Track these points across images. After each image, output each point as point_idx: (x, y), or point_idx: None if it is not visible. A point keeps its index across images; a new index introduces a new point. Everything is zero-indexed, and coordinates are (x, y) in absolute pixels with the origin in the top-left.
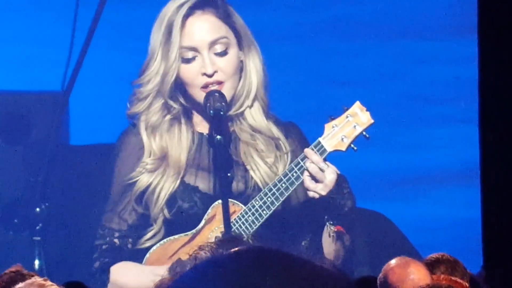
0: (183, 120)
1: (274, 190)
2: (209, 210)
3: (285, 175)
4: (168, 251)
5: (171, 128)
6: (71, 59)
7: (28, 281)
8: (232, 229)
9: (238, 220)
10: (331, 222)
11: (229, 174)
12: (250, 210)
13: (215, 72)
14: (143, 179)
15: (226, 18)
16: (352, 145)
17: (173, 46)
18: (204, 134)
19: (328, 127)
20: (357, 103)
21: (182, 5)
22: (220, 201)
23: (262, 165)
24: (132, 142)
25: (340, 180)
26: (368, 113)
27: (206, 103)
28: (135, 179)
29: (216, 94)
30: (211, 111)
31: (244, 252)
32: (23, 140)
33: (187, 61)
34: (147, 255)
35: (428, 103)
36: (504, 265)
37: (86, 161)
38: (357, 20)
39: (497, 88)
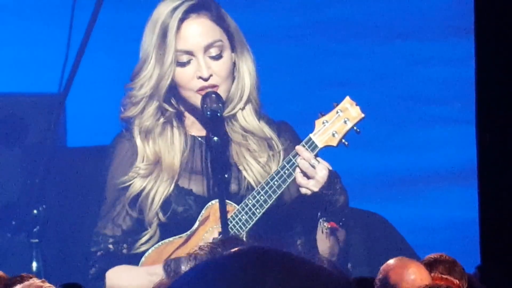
0: (175, 123)
1: (266, 188)
2: (203, 211)
3: (277, 172)
4: (164, 254)
5: (163, 132)
6: (68, 61)
7: (26, 283)
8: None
9: (232, 220)
10: (324, 219)
11: (226, 176)
12: (243, 209)
13: (210, 76)
14: (136, 184)
15: (220, 21)
16: (343, 140)
17: (168, 49)
18: (197, 136)
19: (318, 123)
20: (347, 98)
21: (176, 8)
22: (213, 201)
23: (255, 165)
24: (125, 147)
25: (332, 176)
26: (358, 107)
27: (203, 104)
28: (128, 184)
29: (213, 95)
30: (208, 113)
31: (244, 252)
32: (20, 142)
33: (182, 64)
34: (143, 259)
35: (425, 104)
36: (501, 265)
37: (83, 163)
38: (353, 21)
39: (494, 89)
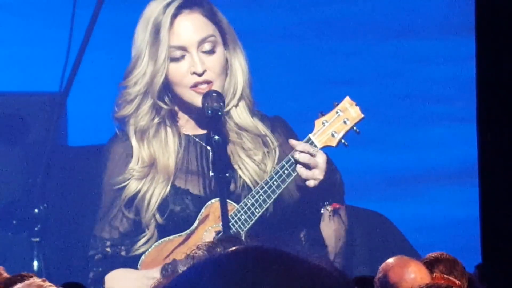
0: (168, 123)
1: (265, 187)
2: (203, 210)
3: (276, 172)
4: (163, 252)
5: (157, 133)
6: (69, 60)
7: (27, 282)
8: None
9: (231, 219)
10: (327, 203)
11: (227, 174)
12: (242, 208)
13: (205, 71)
14: (132, 186)
15: (212, 17)
16: (343, 141)
17: (162, 46)
18: (191, 135)
19: (318, 123)
20: (347, 98)
21: (168, 4)
22: (213, 200)
23: (250, 163)
24: (120, 149)
25: (328, 158)
26: (358, 108)
27: (204, 103)
28: (122, 185)
29: (214, 94)
30: (209, 111)
31: (242, 251)
32: (21, 141)
33: (176, 60)
34: (142, 257)
35: (426, 103)
36: (502, 264)
37: (84, 162)
38: (354, 19)
39: (495, 87)
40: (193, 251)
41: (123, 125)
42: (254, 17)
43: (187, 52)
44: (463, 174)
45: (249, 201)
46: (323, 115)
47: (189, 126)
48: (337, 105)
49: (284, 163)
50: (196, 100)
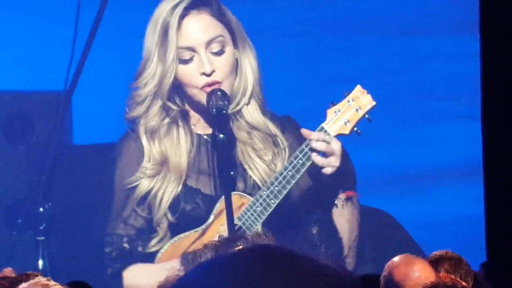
0: (180, 123)
1: (280, 178)
2: (217, 205)
3: (291, 163)
4: (180, 249)
5: (169, 131)
6: (74, 59)
7: (32, 281)
8: (242, 221)
9: (247, 211)
10: (340, 191)
11: (232, 173)
12: (257, 200)
13: (213, 71)
14: (144, 184)
15: (220, 17)
16: (355, 129)
17: (170, 47)
18: (203, 135)
19: (330, 112)
20: (358, 87)
21: (176, 5)
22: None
23: (260, 163)
24: (132, 147)
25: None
26: (369, 95)
27: (208, 101)
28: (135, 184)
29: (219, 92)
30: (214, 110)
31: (249, 250)
32: (26, 140)
33: (185, 61)
34: (159, 254)
35: (430, 100)
36: (508, 261)
37: (89, 161)
38: (359, 17)
39: (499, 85)
40: (200, 250)
41: (134, 125)
42: (260, 15)
43: (196, 53)
44: (467, 171)
45: (264, 192)
46: (334, 104)
47: (200, 126)
48: (348, 94)
49: (298, 153)
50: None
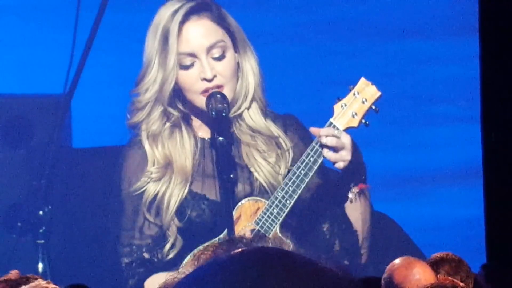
0: (183, 126)
1: (293, 178)
2: (234, 212)
3: (302, 161)
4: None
5: (172, 135)
6: (73, 62)
7: (32, 284)
8: (259, 224)
9: (264, 215)
10: (353, 184)
11: (231, 176)
12: (273, 202)
13: (214, 76)
14: (150, 188)
15: (221, 21)
16: (363, 120)
17: (170, 53)
18: (206, 139)
19: (337, 107)
20: (362, 79)
21: (176, 11)
22: (243, 201)
23: (265, 165)
24: (136, 156)
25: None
26: (374, 86)
27: (208, 104)
28: (142, 190)
29: (218, 95)
30: (213, 113)
31: (247, 253)
32: (26, 143)
33: (186, 67)
34: (181, 268)
35: (430, 103)
36: (508, 263)
37: (89, 164)
38: (359, 20)
39: (499, 87)
40: (198, 253)
41: (137, 131)
42: (259, 18)
43: (197, 59)
44: (467, 174)
45: (279, 194)
46: (340, 99)
47: (203, 130)
48: (353, 87)
49: (309, 151)
50: None
